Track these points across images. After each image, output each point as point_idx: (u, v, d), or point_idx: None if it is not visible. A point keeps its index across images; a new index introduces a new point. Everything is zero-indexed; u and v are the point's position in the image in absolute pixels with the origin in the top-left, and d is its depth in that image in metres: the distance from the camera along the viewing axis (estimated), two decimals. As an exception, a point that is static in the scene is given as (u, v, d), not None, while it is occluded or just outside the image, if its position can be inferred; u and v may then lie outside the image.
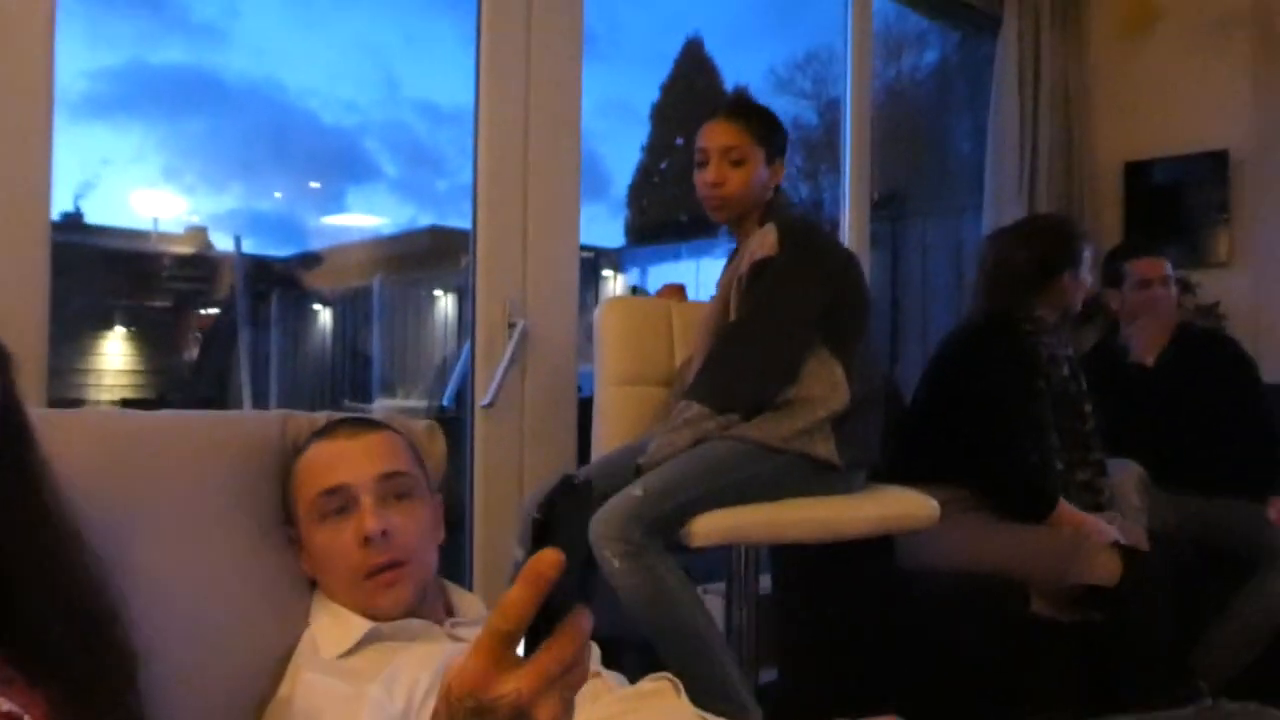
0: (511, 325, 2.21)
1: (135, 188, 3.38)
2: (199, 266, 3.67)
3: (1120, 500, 2.37)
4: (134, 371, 4.00)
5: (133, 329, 3.98)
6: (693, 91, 5.79)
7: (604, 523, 1.63)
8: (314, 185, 3.82)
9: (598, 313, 2.21)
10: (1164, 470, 2.53)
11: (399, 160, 4.48)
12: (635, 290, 5.04)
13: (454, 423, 2.33)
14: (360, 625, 1.10)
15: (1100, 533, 2.13)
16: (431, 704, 0.62)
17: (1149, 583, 2.07)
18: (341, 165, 3.89)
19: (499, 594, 0.51)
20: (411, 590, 1.14)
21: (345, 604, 1.13)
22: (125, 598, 0.89)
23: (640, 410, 2.11)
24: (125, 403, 4.03)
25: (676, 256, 5.45)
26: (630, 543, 1.62)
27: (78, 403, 3.72)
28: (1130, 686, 2.05)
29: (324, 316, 4.43)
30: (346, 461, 1.15)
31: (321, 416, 1.27)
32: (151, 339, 4.02)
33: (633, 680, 1.17)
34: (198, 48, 4.00)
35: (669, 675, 1.16)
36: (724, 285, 1.98)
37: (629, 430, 2.06)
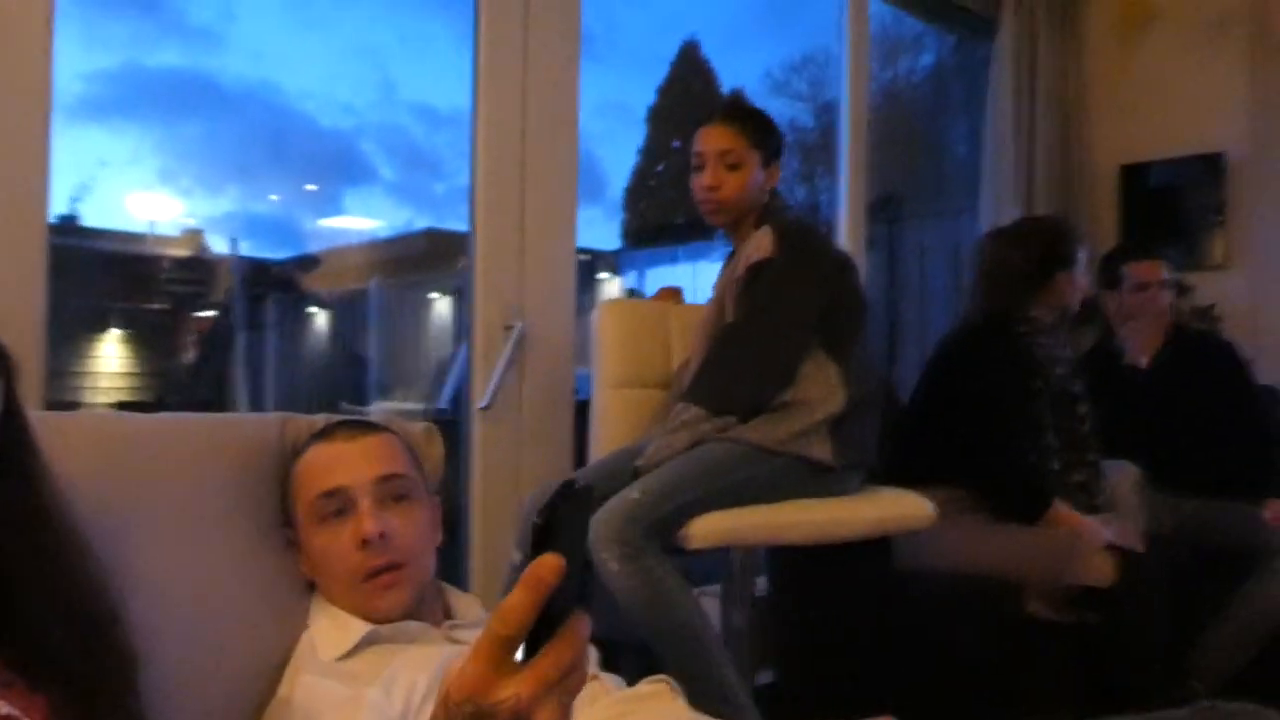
0: (509, 328, 2.21)
1: (132, 190, 3.38)
2: (196, 269, 3.66)
3: (1116, 501, 2.38)
4: (131, 374, 3.99)
5: (129, 331, 3.96)
6: (689, 94, 5.79)
7: (602, 525, 1.63)
8: (311, 188, 3.81)
9: (595, 315, 2.21)
10: (1160, 472, 2.53)
11: (396, 163, 4.48)
12: (632, 293, 5.05)
13: (451, 425, 2.33)
14: (359, 627, 1.10)
15: (1096, 534, 2.13)
16: (430, 706, 0.62)
17: (1145, 584, 2.08)
18: (338, 168, 3.89)
19: (497, 596, 0.51)
20: (410, 592, 1.14)
21: (344, 606, 1.13)
22: (125, 600, 0.89)
23: (637, 413, 2.11)
24: (122, 405, 4.02)
25: (673, 259, 5.44)
26: (628, 545, 1.62)
27: (74, 405, 3.70)
28: (1126, 687, 2.06)
29: (321, 319, 4.42)
30: (345, 464, 1.15)
31: (320, 419, 1.27)
32: (148, 342, 4.01)
33: (630, 682, 1.16)
34: (194, 50, 4.00)
35: (666, 677, 1.16)
36: (720, 288, 1.98)
37: (626, 433, 2.06)
